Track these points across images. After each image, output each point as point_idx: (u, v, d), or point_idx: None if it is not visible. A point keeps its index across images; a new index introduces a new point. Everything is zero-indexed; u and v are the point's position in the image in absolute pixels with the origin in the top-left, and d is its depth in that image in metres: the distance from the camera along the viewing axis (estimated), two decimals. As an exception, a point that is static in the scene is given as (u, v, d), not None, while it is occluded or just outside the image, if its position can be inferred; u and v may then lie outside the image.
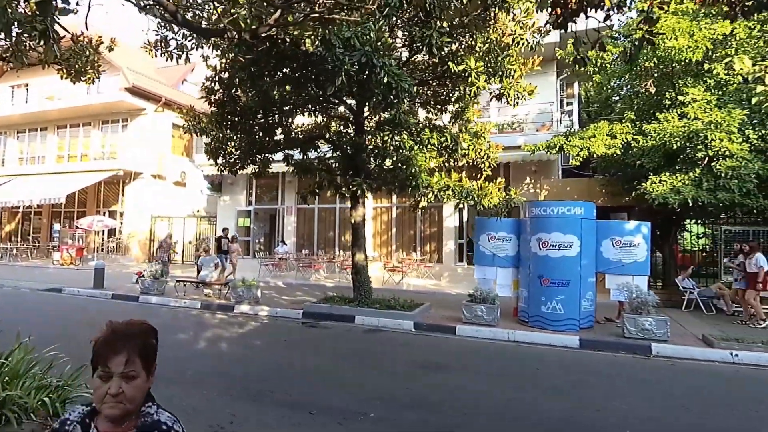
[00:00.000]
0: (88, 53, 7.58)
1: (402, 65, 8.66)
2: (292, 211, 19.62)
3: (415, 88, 8.15)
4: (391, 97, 7.27)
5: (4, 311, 10.08)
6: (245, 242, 20.67)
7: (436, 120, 10.35)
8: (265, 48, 7.42)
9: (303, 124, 11.91)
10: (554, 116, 15.07)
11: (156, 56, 8.18)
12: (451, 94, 10.16)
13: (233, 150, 11.54)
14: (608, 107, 14.38)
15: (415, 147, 9.59)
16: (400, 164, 9.27)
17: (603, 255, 8.88)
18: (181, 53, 8.10)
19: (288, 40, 6.87)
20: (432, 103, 10.50)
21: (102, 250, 22.80)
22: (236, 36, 4.21)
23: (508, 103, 8.70)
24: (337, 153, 11.03)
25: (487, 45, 8.42)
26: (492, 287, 9.24)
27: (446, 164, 10.21)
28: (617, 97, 14.26)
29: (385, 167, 9.94)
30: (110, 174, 22.15)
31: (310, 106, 10.28)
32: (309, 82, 8.58)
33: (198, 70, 27.94)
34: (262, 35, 4.35)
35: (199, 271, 13.96)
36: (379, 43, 6.95)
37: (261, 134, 10.88)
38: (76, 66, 7.52)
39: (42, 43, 4.23)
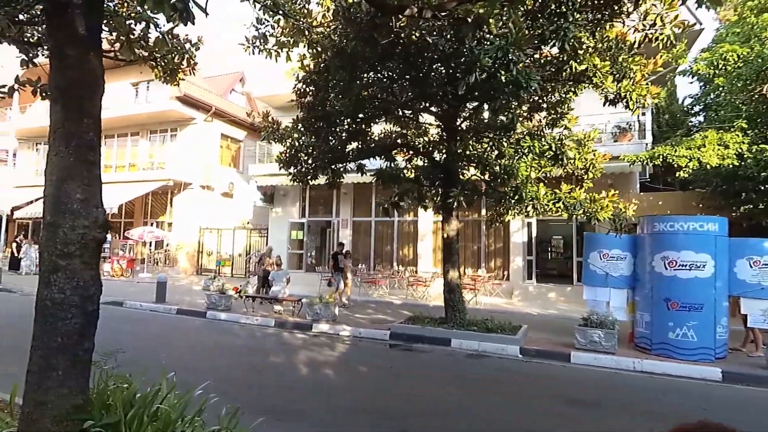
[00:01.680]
0: (185, 49, 7.05)
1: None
2: (347, 224, 18.95)
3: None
4: (521, 97, 6.52)
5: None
6: (298, 256, 20.09)
7: (532, 128, 9.52)
8: (387, 43, 6.75)
9: (382, 132, 11.23)
10: (635, 125, 14.05)
11: (253, 54, 7.61)
12: (550, 97, 9.34)
13: (308, 158, 10.97)
14: (692, 116, 13.37)
15: (516, 156, 8.81)
16: (504, 174, 8.47)
17: (738, 276, 7.87)
18: (279, 51, 7.51)
19: (418, 35, 6.22)
20: (531, 107, 9.68)
21: (150, 261, 22.46)
22: (417, 12, 3.50)
23: (627, 107, 7.83)
24: (425, 161, 10.30)
25: (606, 43, 7.61)
26: (606, 310, 8.30)
27: (545, 175, 9.36)
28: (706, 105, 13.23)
29: (482, 178, 9.16)
30: (161, 184, 21.91)
31: (399, 111, 9.59)
32: (423, 81, 7.89)
33: (248, 77, 27.85)
34: (443, 13, 3.63)
35: (263, 286, 13.32)
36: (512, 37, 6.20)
37: (343, 141, 10.24)
38: (173, 63, 7.01)
39: (179, 24, 3.62)
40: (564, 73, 7.96)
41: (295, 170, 11.26)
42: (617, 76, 7.52)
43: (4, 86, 6.17)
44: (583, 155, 8.93)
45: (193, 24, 3.36)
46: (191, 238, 22.70)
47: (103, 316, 10.22)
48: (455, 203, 8.87)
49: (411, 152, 10.95)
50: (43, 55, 7.54)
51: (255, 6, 6.68)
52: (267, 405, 5.21)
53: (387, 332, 9.44)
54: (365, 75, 8.65)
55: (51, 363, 2.95)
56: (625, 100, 7.80)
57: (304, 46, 8.37)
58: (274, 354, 8.02)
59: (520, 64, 6.23)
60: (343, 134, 10.13)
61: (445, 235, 9.41)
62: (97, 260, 3.22)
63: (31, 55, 7.19)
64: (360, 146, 10.62)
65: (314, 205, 20.23)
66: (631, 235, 8.66)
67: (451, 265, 9.27)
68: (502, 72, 6.21)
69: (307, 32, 8.05)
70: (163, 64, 7.11)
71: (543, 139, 8.99)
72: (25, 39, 6.58)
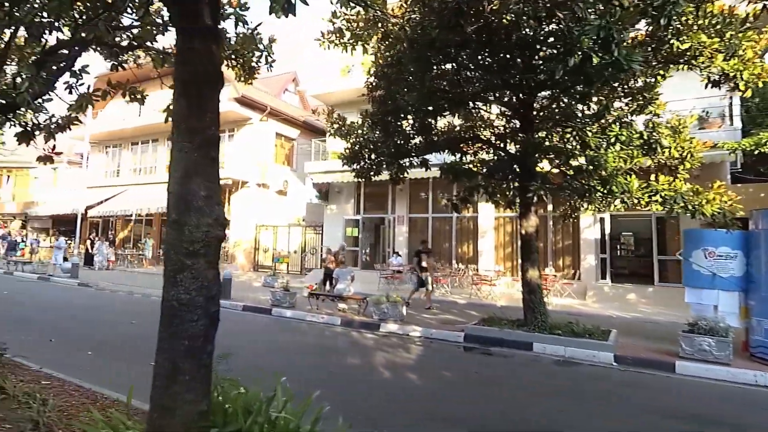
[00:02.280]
0: (263, 46, 6.95)
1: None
2: (403, 220, 18.70)
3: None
4: (620, 80, 6.03)
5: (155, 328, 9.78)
6: (353, 253, 20.00)
7: (619, 114, 8.91)
8: (471, 30, 6.41)
9: (445, 126, 10.86)
10: (725, 110, 13.03)
11: (328, 48, 7.44)
12: (635, 82, 8.69)
13: (372, 154, 10.76)
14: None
15: (603, 145, 8.26)
16: (591, 166, 7.95)
17: None
18: (355, 44, 7.32)
19: (509, 18, 5.85)
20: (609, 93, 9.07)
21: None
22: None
23: (737, 89, 7.15)
24: (495, 154, 9.88)
25: (709, 18, 6.95)
26: (714, 315, 7.60)
27: (633, 165, 8.73)
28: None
29: (562, 170, 8.66)
30: (221, 183, 22.28)
31: (470, 103, 9.21)
32: (504, 69, 7.50)
33: (302, 77, 28.05)
34: None
35: (325, 283, 13.23)
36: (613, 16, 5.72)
37: (410, 136, 9.95)
38: (251, 61, 6.94)
39: (281, 17, 3.42)
40: (660, 54, 7.38)
41: (358, 166, 11.09)
42: (726, 54, 6.86)
43: (97, 91, 6.23)
44: (680, 143, 8.26)
45: (294, 16, 3.15)
46: (248, 235, 23.07)
47: None
48: (534, 198, 8.41)
49: (479, 145, 10.54)
50: (130, 59, 7.63)
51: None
52: (364, 411, 5.00)
53: (460, 334, 9.09)
54: (438, 67, 8.34)
55: (178, 367, 2.81)
56: (733, 81, 7.13)
57: (377, 40, 8.15)
58: (350, 355, 7.83)
59: (622, 44, 5.76)
60: (411, 128, 9.85)
61: (524, 232, 8.96)
62: (218, 259, 3.07)
63: (120, 59, 7.29)
64: (426, 140, 10.30)
65: (369, 201, 20.09)
66: (742, 232, 7.88)
67: (531, 263, 8.82)
68: (602, 53, 5.75)
69: (381, 24, 7.84)
70: (241, 62, 7.07)
71: (631, 127, 8.40)
72: (117, 44, 6.64)
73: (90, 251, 22.50)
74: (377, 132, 10.09)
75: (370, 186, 19.29)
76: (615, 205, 8.56)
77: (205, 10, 2.88)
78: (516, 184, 9.96)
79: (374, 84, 9.10)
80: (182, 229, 2.86)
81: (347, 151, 11.10)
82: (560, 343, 8.04)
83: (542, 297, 8.81)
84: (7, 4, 6.19)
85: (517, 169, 9.05)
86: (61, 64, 6.25)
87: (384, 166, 10.90)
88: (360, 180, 11.62)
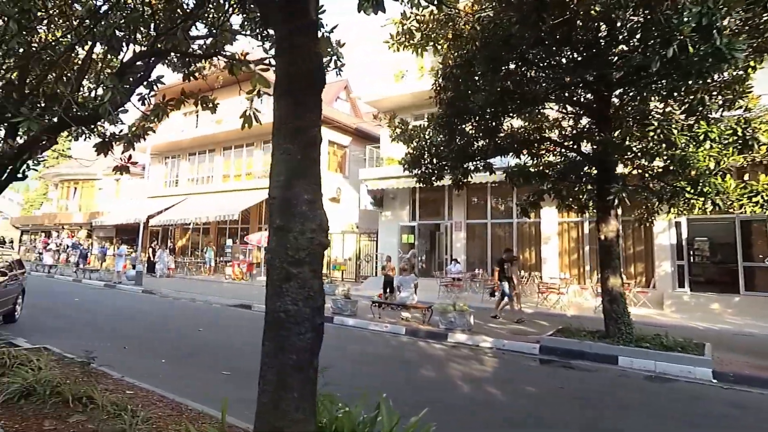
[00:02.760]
0: (332, 50, 6.83)
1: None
2: (460, 226, 18.27)
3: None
4: (721, 71, 5.50)
5: (230, 334, 9.83)
6: (409, 260, 19.72)
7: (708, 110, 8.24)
8: (553, 24, 6.05)
9: (508, 128, 10.44)
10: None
11: (398, 50, 7.24)
12: (722, 74, 8.01)
13: (434, 158, 10.50)
14: None
15: (691, 144, 7.63)
16: (679, 166, 7.36)
17: None
18: (425, 45, 7.09)
19: (597, 9, 5.45)
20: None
21: (259, 264, 23.22)
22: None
23: None
24: (568, 155, 9.39)
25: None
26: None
27: (727, 164, 8.03)
28: None
29: (643, 170, 8.08)
30: (275, 191, 22.64)
31: (543, 102, 8.78)
32: (587, 64, 7.06)
33: (354, 86, 28.26)
34: None
35: (385, 291, 13.01)
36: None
37: (475, 138, 9.61)
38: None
39: (370, 14, 3.21)
40: (755, 43, 6.76)
41: (419, 171, 10.87)
42: None
43: (171, 101, 6.24)
44: (780, 139, 7.53)
45: (384, 12, 2.93)
46: (303, 243, 23.19)
47: (239, 319, 10.37)
48: (615, 201, 7.87)
49: (547, 147, 10.08)
50: (200, 68, 7.69)
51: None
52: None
53: (535, 345, 8.62)
54: (508, 66, 7.99)
55: (286, 383, 2.61)
56: None
57: (446, 41, 7.88)
58: (424, 367, 7.53)
59: (725, 31, 5.25)
60: (476, 131, 9.51)
61: (603, 237, 8.42)
62: (322, 268, 2.87)
63: (192, 69, 7.35)
64: (492, 143, 9.92)
65: (424, 208, 19.79)
66: None
67: (612, 270, 8.26)
68: (702, 43, 5.26)
69: (452, 23, 7.58)
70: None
71: (721, 123, 7.74)
72: (191, 53, 6.69)
73: (152, 259, 23.27)
74: (442, 135, 9.82)
75: (425, 192, 19.06)
76: (701, 208, 7.91)
77: (311, 5, 2.71)
78: (589, 187, 9.45)
79: (442, 86, 8.82)
80: (287, 236, 2.67)
81: (408, 156, 10.90)
82: (649, 357, 7.44)
83: (626, 307, 8.22)
84: (87, 21, 6.36)
85: (593, 171, 8.53)
86: (138, 75, 6.35)
87: (446, 170, 10.64)
88: (421, 185, 11.35)
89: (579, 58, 7.24)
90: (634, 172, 8.86)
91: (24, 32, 5.70)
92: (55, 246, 30.51)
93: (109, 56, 7.43)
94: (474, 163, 10.37)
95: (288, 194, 2.73)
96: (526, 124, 10.16)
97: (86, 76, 7.31)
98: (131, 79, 6.08)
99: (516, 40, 6.75)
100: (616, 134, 8.16)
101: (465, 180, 10.77)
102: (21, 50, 6.64)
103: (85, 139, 9.31)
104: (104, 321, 10.90)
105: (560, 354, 8.21)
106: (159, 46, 5.96)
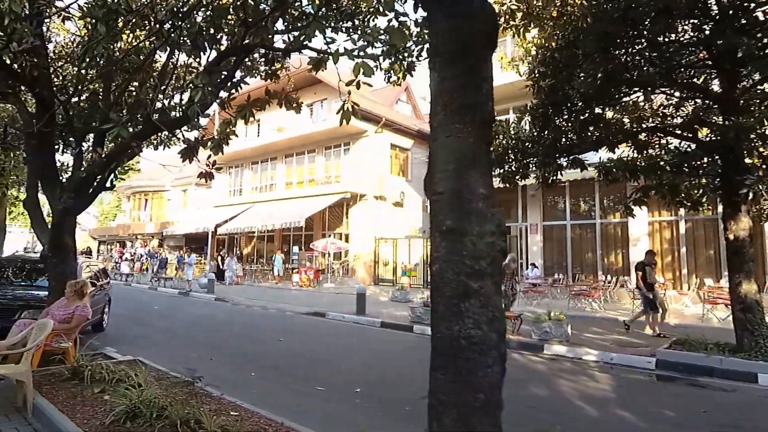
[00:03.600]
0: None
1: None
2: (536, 229, 17.28)
3: None
4: None
5: (310, 343, 9.48)
6: (480, 264, 18.90)
7: None
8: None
9: (604, 118, 9.52)
10: None
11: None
12: None
13: (520, 155, 9.77)
14: None
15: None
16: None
17: None
18: (528, 25, 6.43)
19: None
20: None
21: (329, 272, 23.02)
22: None
23: None
24: (679, 146, 8.40)
25: None
26: None
27: None
28: None
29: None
30: (339, 197, 22.45)
31: (659, 83, 7.86)
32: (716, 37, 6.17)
33: (416, 88, 27.76)
34: None
35: None
36: None
37: (573, 130, 8.80)
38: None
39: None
40: None
41: (502, 170, 10.17)
42: None
43: (256, 101, 5.91)
44: None
45: None
46: (367, 248, 22.86)
47: (315, 328, 9.88)
48: (749, 195, 6.86)
49: (651, 137, 9.10)
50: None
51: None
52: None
53: (649, 359, 7.68)
54: (618, 46, 7.16)
55: (470, 429, 2.03)
56: None
57: (549, 20, 7.16)
58: (529, 383, 6.80)
59: None
60: (573, 122, 8.68)
61: (732, 237, 7.38)
62: (502, 280, 2.29)
63: (274, 67, 7.00)
64: (586, 135, 9.06)
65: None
66: None
67: (744, 275, 7.21)
68: None
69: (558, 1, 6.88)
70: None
71: None
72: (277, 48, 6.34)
73: (221, 267, 23.62)
74: (534, 129, 9.07)
75: (497, 193, 18.12)
76: None
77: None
78: (703, 181, 8.40)
79: (540, 72, 8.08)
80: (462, 240, 2.10)
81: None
82: (800, 375, 6.38)
83: (763, 316, 7.15)
84: (168, 24, 6.13)
85: (719, 162, 7.52)
86: (222, 76, 6.05)
87: (534, 168, 9.89)
88: (503, 185, 10.65)
89: (707, 30, 6.32)
90: (756, 161, 7.76)
91: (110, 35, 5.52)
92: (129, 255, 31.80)
93: (189, 59, 7.21)
94: (567, 158, 9.56)
95: (459, 187, 2.16)
96: (623, 114, 9.26)
97: (168, 81, 7.16)
98: (218, 80, 5.78)
99: (634, 13, 5.94)
100: (749, 119, 7.13)
101: (555, 178, 9.99)
102: (104, 59, 6.55)
103: (164, 149, 9.22)
104: (185, 330, 10.84)
105: (682, 370, 7.24)
106: (246, 41, 5.62)
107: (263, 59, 6.37)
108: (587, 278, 15.59)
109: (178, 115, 6.22)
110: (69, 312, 5.70)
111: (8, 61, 5.31)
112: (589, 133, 8.70)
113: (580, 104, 8.19)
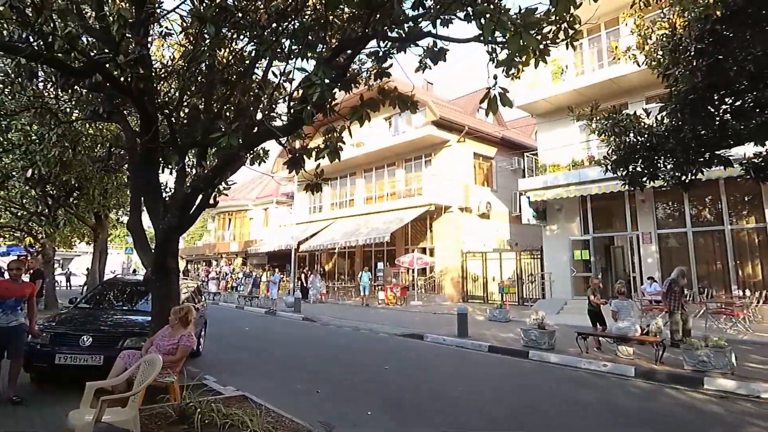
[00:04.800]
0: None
1: None
2: (650, 238, 15.39)
3: None
4: None
5: (423, 373, 8.52)
6: (584, 279, 17.19)
7: None
8: None
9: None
10: None
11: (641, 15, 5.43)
12: None
13: (651, 152, 8.43)
14: None
15: None
16: None
17: None
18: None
19: None
20: None
21: (414, 288, 22.06)
22: None
23: None
24: None
25: None
26: None
27: None
28: None
29: None
30: (422, 210, 21.57)
31: None
32: None
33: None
34: None
35: (594, 323, 10.78)
36: None
37: (730, 120, 7.33)
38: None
39: None
40: None
41: (626, 172, 8.91)
42: None
43: (370, 101, 5.12)
44: None
45: None
46: (454, 263, 21.74)
47: (419, 352, 8.70)
48: None
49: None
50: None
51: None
52: None
53: None
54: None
55: None
56: None
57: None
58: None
59: None
60: (735, 109, 7.23)
61: None
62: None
63: (384, 66, 6.22)
64: (743, 125, 7.53)
65: (599, 218, 17.19)
66: None
67: None
68: None
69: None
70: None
71: None
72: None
73: (304, 285, 23.38)
74: (673, 121, 7.72)
75: (598, 200, 16.57)
76: None
77: None
78: None
79: (696, 51, 6.71)
80: None
81: (613, 153, 8.97)
82: None
83: None
84: (272, 27, 5.53)
85: None
86: (337, 72, 5.32)
87: (669, 166, 8.53)
88: (633, 189, 9.33)
89: None
90: None
91: (218, 38, 4.98)
92: (215, 274, 32.64)
93: (289, 66, 6.56)
94: (707, 154, 8.11)
95: None
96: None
97: (271, 91, 6.60)
98: (334, 74, 5.05)
99: None
100: None
101: (695, 177, 8.59)
102: (207, 68, 6.09)
103: (259, 164, 8.71)
104: (281, 353, 10.27)
105: None
106: (367, 30, 4.84)
107: (373, 56, 5.58)
108: (718, 293, 13.54)
109: (281, 122, 5.59)
110: (174, 342, 5.13)
111: (114, 73, 4.88)
112: (753, 122, 7.19)
113: (743, 85, 6.76)
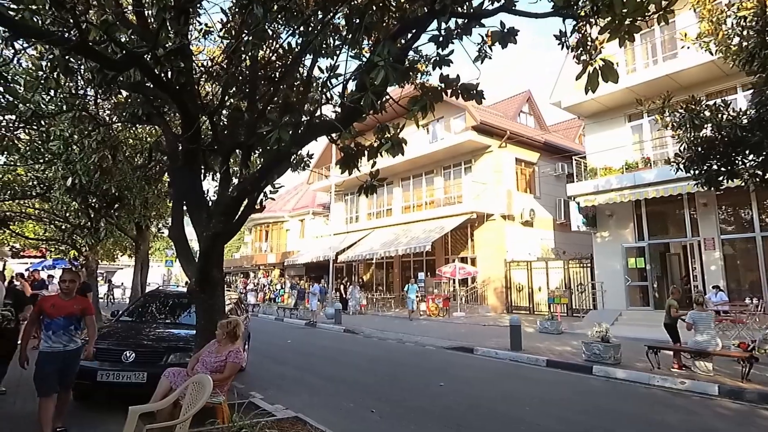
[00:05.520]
0: None
1: None
2: (713, 244, 14.30)
3: None
4: None
5: (483, 392, 7.86)
6: (641, 288, 16.17)
7: None
8: None
9: None
10: None
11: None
12: None
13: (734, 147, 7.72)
14: None
15: None
16: None
17: None
18: None
19: None
20: None
21: (457, 299, 21.31)
22: None
23: None
24: None
25: None
26: None
27: None
28: None
29: None
30: (464, 218, 20.91)
31: None
32: None
33: (538, 98, 25.78)
34: None
35: (673, 336, 9.78)
36: None
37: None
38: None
39: None
40: None
41: (700, 170, 8.20)
42: None
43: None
44: None
45: None
46: (497, 272, 20.92)
47: (472, 369, 7.90)
48: None
49: None
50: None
51: None
52: None
53: None
54: None
55: None
56: None
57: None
58: None
59: None
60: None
61: None
62: None
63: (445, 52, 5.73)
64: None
65: (653, 223, 16.17)
66: None
67: None
68: None
69: None
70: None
71: None
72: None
73: (343, 296, 22.97)
74: (761, 110, 6.95)
75: (653, 204, 15.58)
76: None
77: None
78: None
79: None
80: None
81: (687, 150, 8.24)
82: None
83: None
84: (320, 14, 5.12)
85: None
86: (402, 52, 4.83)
87: (754, 163, 7.79)
88: (710, 189, 8.60)
89: None
90: None
91: (264, 22, 4.59)
92: (252, 285, 32.66)
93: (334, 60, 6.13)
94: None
95: None
96: None
97: (317, 86, 6.21)
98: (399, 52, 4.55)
99: None
100: None
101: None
102: (250, 59, 5.75)
103: (303, 169, 8.32)
104: (328, 368, 9.78)
105: None
106: (435, 5, 4.32)
107: (433, 40, 5.08)
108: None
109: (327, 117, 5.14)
110: (221, 359, 4.70)
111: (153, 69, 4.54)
112: None
113: None
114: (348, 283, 24.67)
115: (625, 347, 9.67)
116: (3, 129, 6.33)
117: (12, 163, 8.00)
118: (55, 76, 4.62)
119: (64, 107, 5.92)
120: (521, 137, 22.13)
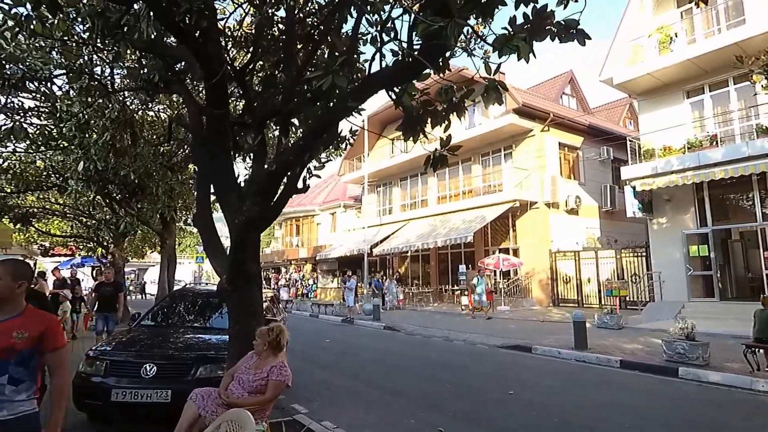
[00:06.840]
0: None
1: None
2: (793, 228, 12.76)
3: None
4: None
5: (559, 399, 6.73)
6: (704, 278, 14.70)
7: None
8: None
9: None
10: None
11: None
12: None
13: None
14: None
15: None
16: None
17: None
18: None
19: None
20: None
21: (500, 292, 20.12)
22: None
23: None
24: None
25: None
26: None
27: None
28: None
29: None
30: (505, 207, 19.65)
31: None
32: None
33: (582, 80, 24.28)
34: None
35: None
36: None
37: None
38: None
39: None
40: None
41: None
42: None
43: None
44: None
45: None
46: (541, 263, 19.66)
47: (536, 371, 6.50)
48: None
49: None
50: None
51: None
52: None
53: None
54: None
55: None
56: None
57: None
58: None
59: None
60: None
61: None
62: None
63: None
64: None
65: (717, 208, 14.65)
66: None
67: None
68: None
69: None
70: None
71: None
72: None
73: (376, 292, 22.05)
74: None
75: (714, 188, 14.09)
76: None
77: None
78: None
79: None
80: None
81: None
82: None
83: None
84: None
85: None
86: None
87: None
88: None
89: None
90: None
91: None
92: (284, 281, 32.09)
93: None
94: None
95: None
96: None
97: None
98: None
99: None
100: None
101: None
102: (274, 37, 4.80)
103: (345, 147, 7.29)
104: (372, 372, 8.86)
105: None
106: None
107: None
108: None
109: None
110: (262, 377, 3.76)
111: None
112: None
113: None
114: (384, 278, 23.72)
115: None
116: (10, 113, 5.55)
117: (23, 150, 7.29)
118: (37, 15, 3.73)
119: (65, 71, 5.06)
120: (565, 119, 20.70)
